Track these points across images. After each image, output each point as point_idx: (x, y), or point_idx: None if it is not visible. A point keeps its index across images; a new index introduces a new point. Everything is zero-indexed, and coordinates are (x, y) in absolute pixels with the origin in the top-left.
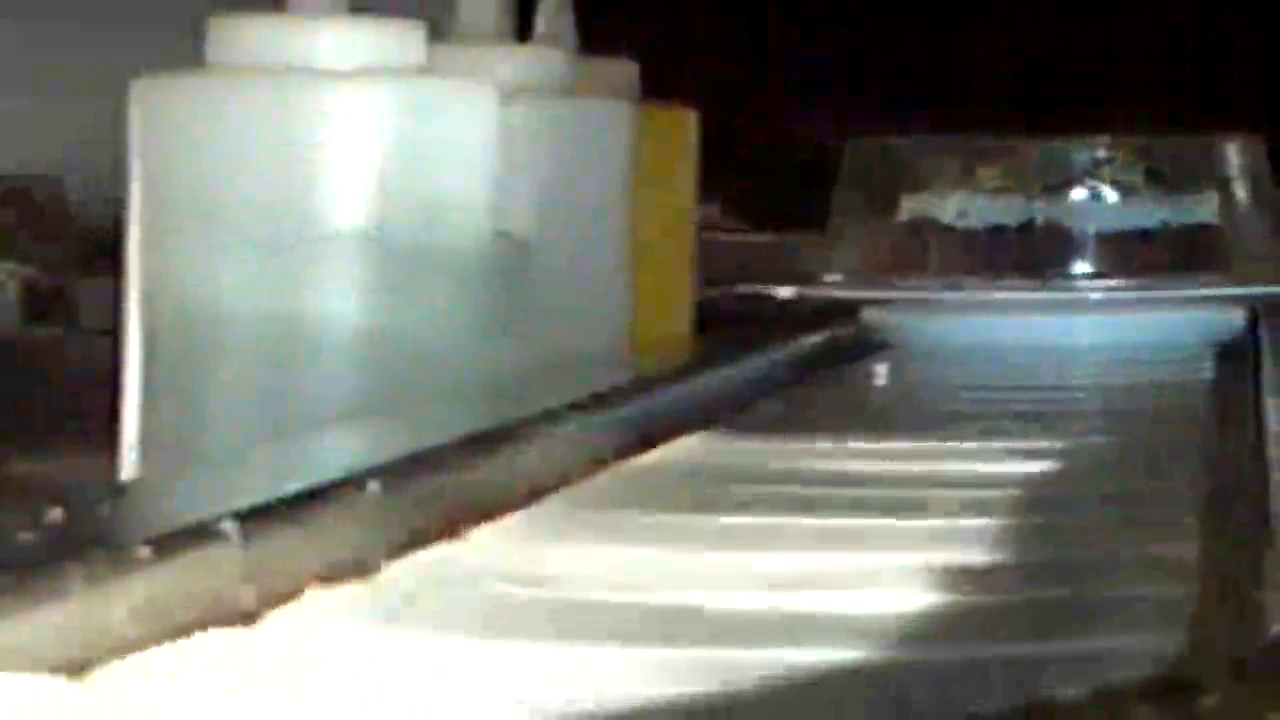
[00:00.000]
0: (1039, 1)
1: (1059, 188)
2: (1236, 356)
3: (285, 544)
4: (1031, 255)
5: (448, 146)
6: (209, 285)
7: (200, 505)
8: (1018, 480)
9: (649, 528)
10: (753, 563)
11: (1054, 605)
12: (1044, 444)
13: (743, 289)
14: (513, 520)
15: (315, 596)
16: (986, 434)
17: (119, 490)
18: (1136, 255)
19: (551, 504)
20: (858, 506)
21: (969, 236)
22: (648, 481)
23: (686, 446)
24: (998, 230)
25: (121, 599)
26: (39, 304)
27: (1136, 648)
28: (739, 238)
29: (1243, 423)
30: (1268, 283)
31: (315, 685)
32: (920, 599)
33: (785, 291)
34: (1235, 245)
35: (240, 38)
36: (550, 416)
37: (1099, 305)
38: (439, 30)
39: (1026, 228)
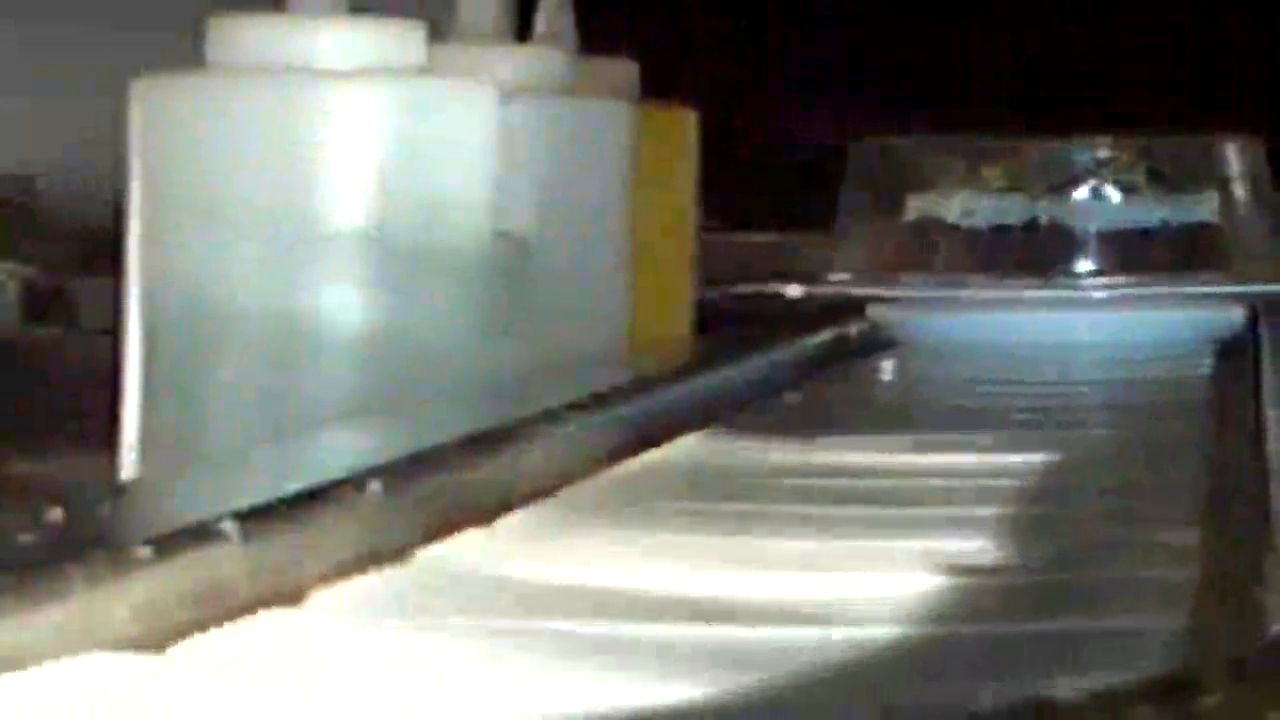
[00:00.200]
0: (1039, 1)
1: (1062, 187)
2: (1236, 353)
3: (285, 544)
4: (1035, 253)
5: (448, 146)
6: (209, 285)
7: (200, 505)
8: (1020, 472)
9: (648, 528)
10: (753, 563)
11: (1056, 586)
12: (1047, 437)
13: (750, 287)
14: (513, 520)
15: (315, 596)
16: (990, 428)
17: (119, 490)
18: (1138, 254)
19: (552, 504)
20: (858, 506)
21: (974, 235)
22: (648, 481)
23: (687, 446)
24: (1002, 229)
25: (121, 599)
26: (39, 304)
27: (1138, 627)
28: (739, 238)
29: (1242, 420)
30: (1267, 281)
31: (315, 685)
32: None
33: (794, 290)
34: (1235, 244)
35: (240, 38)
36: (550, 416)
37: (1101, 302)
38: (439, 30)
39: (1030, 227)
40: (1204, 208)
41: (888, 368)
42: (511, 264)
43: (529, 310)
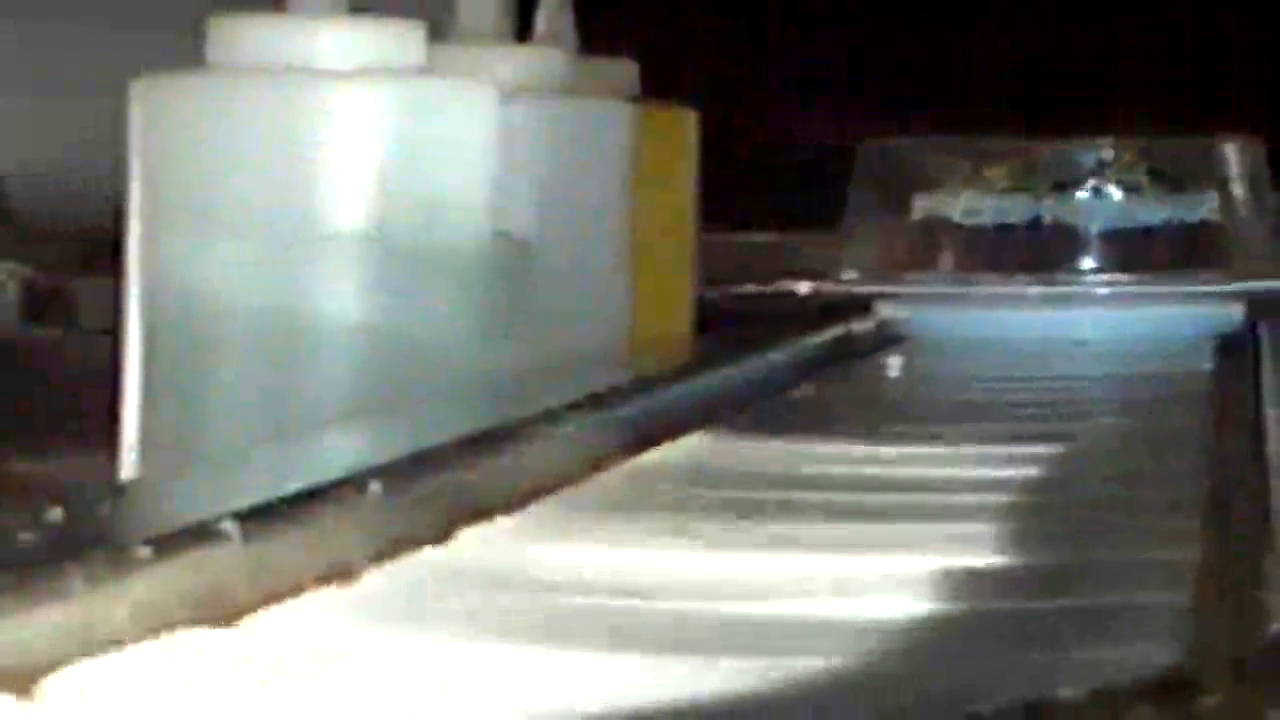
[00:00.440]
0: (1039, 1)
1: (1065, 187)
2: (1236, 350)
3: (285, 544)
4: (1039, 252)
5: (447, 146)
6: (209, 285)
7: (200, 505)
8: (1023, 467)
9: (649, 528)
10: (753, 564)
11: (1060, 569)
12: (1050, 431)
13: (756, 287)
14: (513, 521)
15: (315, 596)
16: (995, 421)
17: (119, 490)
18: (1140, 252)
19: (552, 504)
20: (866, 494)
21: (979, 234)
22: (648, 481)
23: (689, 444)
24: (1006, 228)
25: (121, 599)
26: (39, 304)
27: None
28: (740, 238)
29: (1242, 417)
30: (1266, 279)
31: (316, 685)
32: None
33: (804, 287)
34: (1235, 243)
35: (240, 38)
36: (550, 417)
37: (1104, 300)
38: (439, 30)
39: (1034, 226)
40: (1205, 207)
41: (894, 364)
42: (511, 264)
43: (529, 310)
